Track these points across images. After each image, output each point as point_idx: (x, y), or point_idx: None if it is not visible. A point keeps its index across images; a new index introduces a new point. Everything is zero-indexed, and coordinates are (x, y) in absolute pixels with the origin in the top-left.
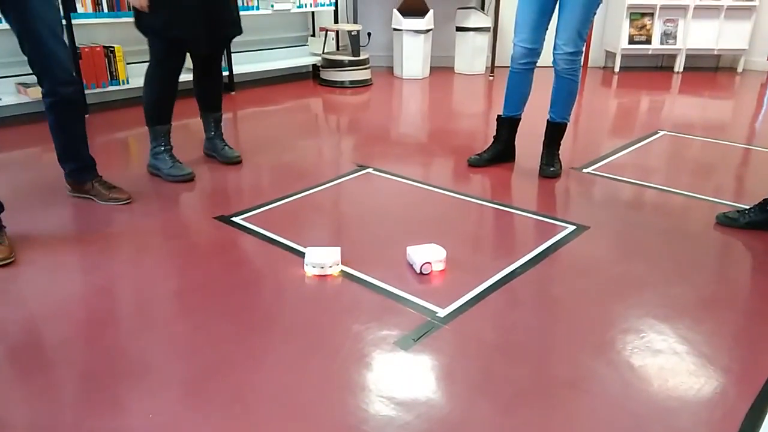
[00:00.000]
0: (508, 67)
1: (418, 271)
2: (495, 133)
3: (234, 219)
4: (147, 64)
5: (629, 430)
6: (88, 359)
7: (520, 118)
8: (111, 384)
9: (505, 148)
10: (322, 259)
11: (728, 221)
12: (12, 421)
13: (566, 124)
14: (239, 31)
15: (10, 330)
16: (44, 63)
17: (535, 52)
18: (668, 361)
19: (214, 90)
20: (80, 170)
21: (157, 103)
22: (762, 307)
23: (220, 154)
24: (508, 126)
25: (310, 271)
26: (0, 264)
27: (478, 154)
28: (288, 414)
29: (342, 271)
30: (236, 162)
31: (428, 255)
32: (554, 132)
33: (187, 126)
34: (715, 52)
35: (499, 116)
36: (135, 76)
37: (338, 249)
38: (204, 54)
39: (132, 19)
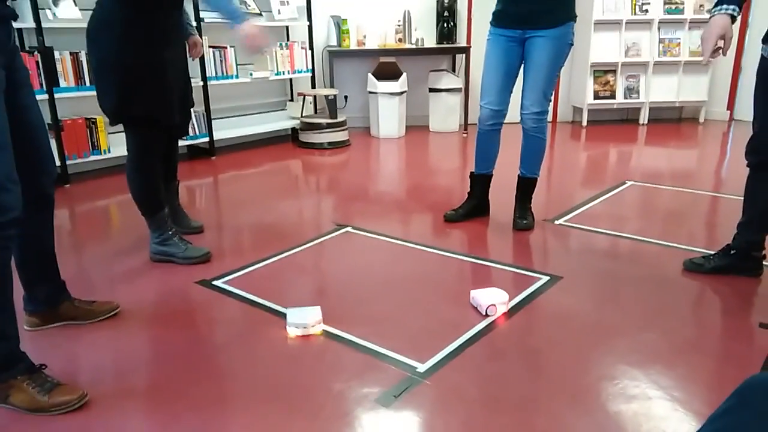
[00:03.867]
0: None
1: (484, 313)
2: (469, 189)
3: (215, 282)
4: (127, 157)
5: None
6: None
7: (491, 175)
8: None
9: (480, 203)
10: (305, 319)
11: (695, 267)
12: None
13: (536, 179)
14: (194, 102)
15: None
16: (37, 155)
17: (501, 113)
18: (642, 406)
19: (175, 160)
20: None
21: (153, 190)
22: (729, 349)
23: (183, 223)
24: (480, 182)
25: (292, 331)
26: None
27: (453, 210)
28: None
29: (324, 330)
30: (200, 231)
31: (493, 298)
32: (525, 186)
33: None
34: (677, 104)
35: (471, 173)
36: (115, 145)
37: (318, 308)
38: (183, 133)
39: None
